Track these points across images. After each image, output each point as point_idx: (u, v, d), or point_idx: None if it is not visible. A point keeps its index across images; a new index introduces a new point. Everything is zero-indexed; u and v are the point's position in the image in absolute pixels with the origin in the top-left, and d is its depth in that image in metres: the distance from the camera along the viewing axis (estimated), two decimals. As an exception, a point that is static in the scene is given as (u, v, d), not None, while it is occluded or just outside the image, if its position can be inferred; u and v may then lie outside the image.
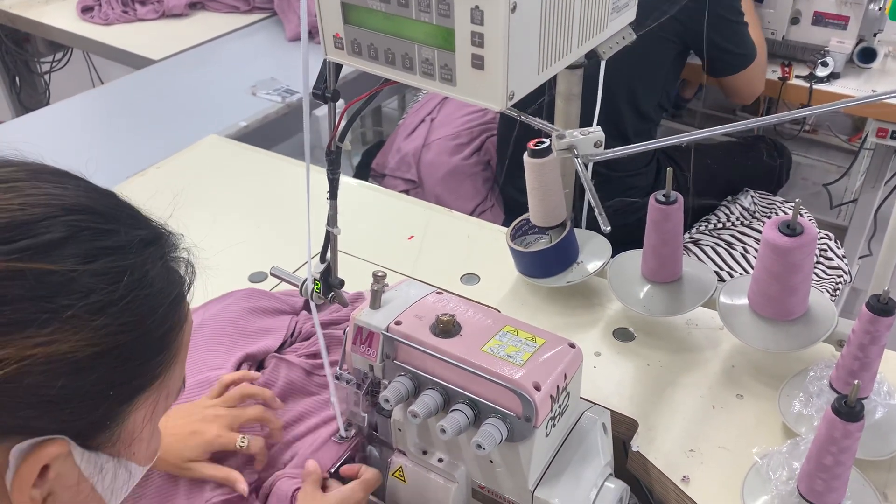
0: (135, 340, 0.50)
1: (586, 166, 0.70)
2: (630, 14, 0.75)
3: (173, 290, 0.55)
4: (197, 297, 1.12)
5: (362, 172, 2.20)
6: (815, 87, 1.88)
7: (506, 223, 1.85)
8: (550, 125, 0.74)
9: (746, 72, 1.80)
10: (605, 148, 0.73)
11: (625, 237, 1.20)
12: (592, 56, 0.73)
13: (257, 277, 1.27)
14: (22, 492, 0.48)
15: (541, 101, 1.06)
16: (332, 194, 0.77)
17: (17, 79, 2.90)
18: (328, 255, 0.82)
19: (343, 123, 0.70)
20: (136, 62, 2.23)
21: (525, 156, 1.06)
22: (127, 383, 0.51)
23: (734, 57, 1.79)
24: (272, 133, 1.88)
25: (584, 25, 0.66)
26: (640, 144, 0.73)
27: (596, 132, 0.68)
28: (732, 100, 1.94)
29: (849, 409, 0.74)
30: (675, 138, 0.75)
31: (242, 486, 0.83)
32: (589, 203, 0.70)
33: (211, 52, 2.26)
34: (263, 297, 1.14)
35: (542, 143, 1.04)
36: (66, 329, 0.47)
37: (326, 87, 0.67)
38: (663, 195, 1.03)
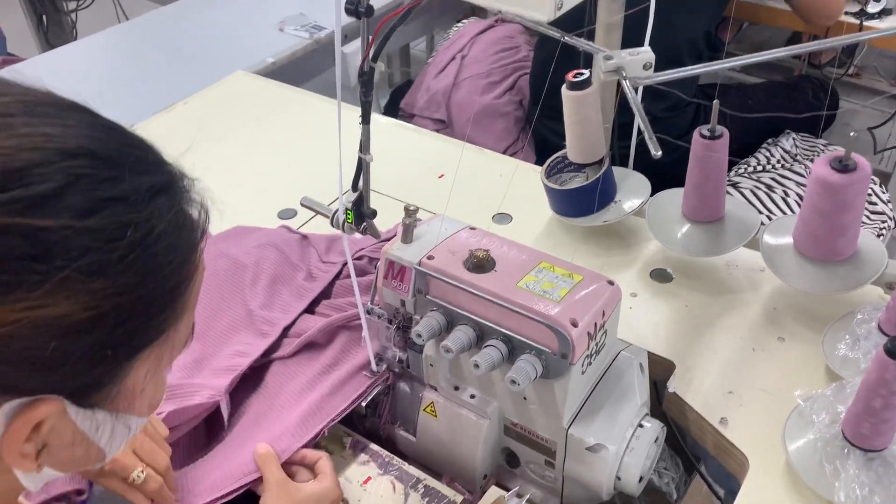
0: (136, 301, 0.46)
1: (635, 90, 0.66)
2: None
3: (183, 243, 0.49)
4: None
5: (390, 113, 2.15)
6: (865, 23, 1.79)
7: (538, 165, 1.80)
8: (597, 46, 0.70)
9: None
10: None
11: (662, 179, 1.16)
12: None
13: (287, 214, 1.24)
14: (12, 449, 0.45)
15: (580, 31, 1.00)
16: (365, 119, 0.73)
17: (44, 17, 2.87)
18: (360, 183, 0.79)
19: (377, 42, 0.66)
20: (162, -2, 2.19)
21: (563, 88, 1.01)
22: (127, 343, 0.47)
23: None
24: (300, 70, 1.84)
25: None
26: (690, 68, 0.68)
27: (645, 52, 0.64)
28: (810, 22, 1.81)
29: (903, 351, 0.71)
30: (723, 62, 0.70)
31: None
32: (639, 129, 0.66)
33: (237, -13, 2.20)
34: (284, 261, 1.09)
35: (582, 74, 0.99)
36: (58, 293, 0.42)
37: (360, 2, 0.63)
38: (708, 129, 0.98)
